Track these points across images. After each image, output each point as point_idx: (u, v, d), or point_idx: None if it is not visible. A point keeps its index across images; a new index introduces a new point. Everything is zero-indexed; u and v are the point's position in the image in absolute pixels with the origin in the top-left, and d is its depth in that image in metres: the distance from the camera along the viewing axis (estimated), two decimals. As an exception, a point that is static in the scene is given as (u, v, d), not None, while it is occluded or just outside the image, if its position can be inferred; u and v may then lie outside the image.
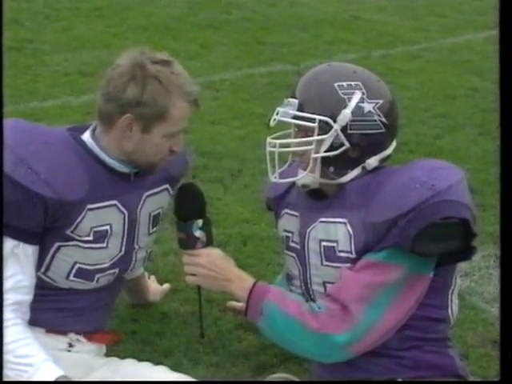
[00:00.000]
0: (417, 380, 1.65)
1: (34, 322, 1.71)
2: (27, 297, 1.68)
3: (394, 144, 1.72)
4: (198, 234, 1.72)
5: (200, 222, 1.73)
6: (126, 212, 1.75)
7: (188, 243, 1.74)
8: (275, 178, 1.71)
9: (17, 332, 1.64)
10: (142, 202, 1.79)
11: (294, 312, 1.62)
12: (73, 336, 1.80)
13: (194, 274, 1.72)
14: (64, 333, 1.79)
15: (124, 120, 1.66)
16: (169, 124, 1.67)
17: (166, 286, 2.34)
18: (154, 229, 1.86)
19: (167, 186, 1.85)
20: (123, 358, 1.90)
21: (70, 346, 1.80)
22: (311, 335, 1.60)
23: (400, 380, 1.65)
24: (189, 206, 1.75)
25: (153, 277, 2.36)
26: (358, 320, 1.58)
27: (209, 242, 1.75)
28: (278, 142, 1.69)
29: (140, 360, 1.90)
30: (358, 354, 1.62)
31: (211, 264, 1.70)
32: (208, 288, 1.77)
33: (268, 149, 1.70)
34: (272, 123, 1.70)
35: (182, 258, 1.75)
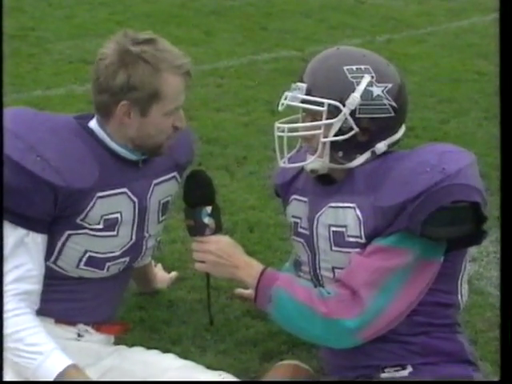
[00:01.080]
0: (417, 380, 1.64)
1: (43, 312, 1.70)
2: (36, 286, 1.68)
3: (403, 128, 1.71)
4: (206, 220, 1.72)
5: (209, 208, 1.72)
6: (136, 200, 1.74)
7: (197, 230, 1.73)
8: (284, 162, 1.70)
9: (26, 321, 1.63)
10: (151, 189, 1.77)
11: (304, 298, 1.61)
12: (82, 327, 1.79)
13: (202, 261, 1.71)
14: (73, 323, 1.78)
15: (121, 108, 1.64)
16: (165, 102, 1.65)
17: (173, 273, 2.34)
18: (164, 217, 1.85)
19: (175, 173, 1.84)
20: (131, 345, 1.90)
21: (79, 336, 1.79)
22: (321, 320, 1.59)
23: (400, 381, 1.65)
24: (198, 192, 1.74)
25: (159, 265, 2.35)
26: (367, 305, 1.57)
27: (218, 229, 1.74)
28: (286, 126, 1.67)
29: (148, 348, 1.90)
30: (367, 339, 1.61)
31: (220, 251, 1.69)
32: (217, 275, 1.76)
33: (276, 133, 1.68)
34: (280, 108, 1.68)
35: (191, 245, 1.75)
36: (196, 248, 1.72)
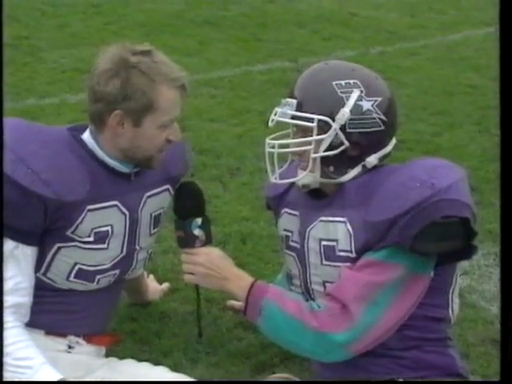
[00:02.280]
0: (417, 380, 1.65)
1: (34, 323, 1.70)
2: (26, 299, 1.67)
3: (393, 141, 1.72)
4: (196, 232, 1.72)
5: (199, 220, 1.72)
6: (127, 212, 1.74)
7: (187, 241, 1.73)
8: (275, 178, 1.70)
9: (15, 334, 1.63)
10: (142, 202, 1.78)
11: (294, 311, 1.61)
12: (72, 338, 1.79)
13: (192, 273, 1.71)
14: (63, 335, 1.78)
15: (114, 117, 1.64)
16: (159, 114, 1.65)
17: (166, 285, 2.34)
18: (155, 229, 1.85)
19: (168, 186, 1.84)
20: (122, 357, 1.90)
21: (70, 347, 1.79)
22: (310, 334, 1.59)
23: (401, 380, 1.65)
24: (188, 204, 1.74)
25: (152, 276, 2.35)
26: (357, 319, 1.57)
27: (208, 241, 1.74)
28: (276, 142, 1.68)
29: (139, 360, 1.89)
30: (357, 353, 1.61)
31: (210, 263, 1.69)
32: (206, 287, 1.76)
33: (267, 149, 1.69)
34: (270, 124, 1.69)
35: (181, 257, 1.74)
36: (186, 260, 1.72)
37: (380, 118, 1.65)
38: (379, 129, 1.66)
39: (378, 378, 1.66)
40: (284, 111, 1.66)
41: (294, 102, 1.66)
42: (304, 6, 6.05)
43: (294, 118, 1.65)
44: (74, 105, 3.84)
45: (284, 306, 1.62)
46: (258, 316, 1.64)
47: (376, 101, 1.64)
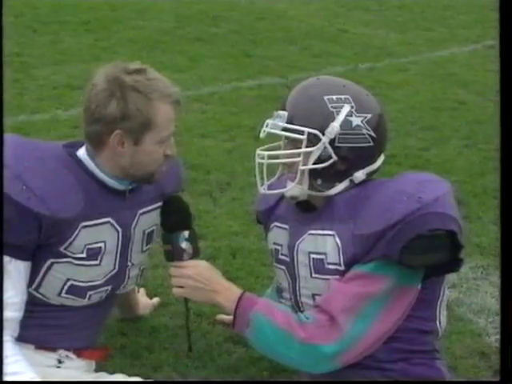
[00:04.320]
0: (417, 380, 1.65)
1: (24, 338, 1.70)
2: (17, 313, 1.67)
3: (382, 158, 1.74)
4: (184, 245, 1.73)
5: (186, 233, 1.74)
6: (120, 229, 1.75)
7: (174, 255, 1.74)
8: (264, 189, 1.72)
9: (5, 349, 1.62)
10: (136, 219, 1.78)
11: (282, 322, 1.62)
12: (62, 352, 1.79)
13: (181, 286, 1.72)
14: (53, 349, 1.78)
15: (114, 137, 1.66)
16: (158, 130, 1.67)
17: (156, 299, 2.34)
18: (148, 246, 1.86)
19: (161, 203, 1.84)
20: (112, 372, 1.89)
21: (60, 362, 1.79)
22: (299, 345, 1.60)
23: (399, 380, 1.65)
24: (175, 217, 1.76)
25: (142, 290, 2.35)
26: (345, 331, 1.58)
27: (195, 254, 1.75)
28: (266, 153, 1.70)
29: (129, 375, 1.88)
30: (344, 364, 1.62)
31: (198, 275, 1.70)
32: (195, 300, 1.76)
33: (257, 160, 1.71)
34: (262, 135, 1.71)
35: (169, 271, 1.75)
36: (174, 273, 1.73)
37: (369, 134, 1.67)
38: (368, 145, 1.68)
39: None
40: (275, 123, 1.69)
41: (286, 114, 1.68)
42: (294, 23, 6.11)
43: (284, 129, 1.68)
44: (65, 121, 3.85)
45: (272, 317, 1.63)
46: (247, 328, 1.65)
47: (366, 117, 1.67)
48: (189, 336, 1.86)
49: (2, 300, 1.45)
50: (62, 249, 1.68)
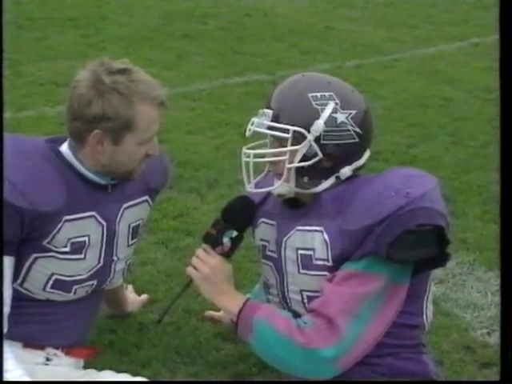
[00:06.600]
0: (417, 380, 1.66)
1: (11, 335, 1.69)
2: (5, 309, 1.67)
3: (367, 153, 1.74)
4: (225, 240, 1.75)
5: (235, 233, 1.76)
6: (104, 223, 1.75)
7: (212, 240, 1.76)
8: (251, 187, 1.73)
9: None
10: (120, 213, 1.79)
11: (283, 328, 1.62)
12: (50, 350, 1.79)
13: (196, 269, 1.73)
14: (41, 347, 1.78)
15: (93, 136, 1.66)
16: (138, 132, 1.67)
17: (144, 296, 2.34)
18: (134, 240, 1.86)
19: (147, 197, 1.85)
20: (101, 369, 1.90)
21: (48, 360, 1.79)
22: (299, 350, 1.60)
23: (399, 380, 1.66)
24: (238, 214, 1.78)
25: (130, 287, 2.35)
26: (343, 333, 1.58)
27: (227, 254, 1.77)
28: (252, 152, 1.70)
29: (118, 371, 1.89)
30: (346, 367, 1.62)
31: (217, 271, 1.72)
32: (200, 289, 1.75)
33: (243, 159, 1.71)
34: (247, 133, 1.72)
35: (197, 251, 1.76)
36: (199, 255, 1.74)
37: (355, 131, 1.68)
38: (353, 141, 1.68)
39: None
40: (261, 121, 1.69)
41: (271, 112, 1.68)
42: (281, 20, 6.11)
43: (270, 128, 1.68)
44: (52, 118, 3.83)
45: (274, 322, 1.63)
46: (250, 333, 1.65)
47: (351, 113, 1.67)
48: (166, 310, 1.85)
49: (1, 300, 1.45)
50: (45, 243, 1.68)
